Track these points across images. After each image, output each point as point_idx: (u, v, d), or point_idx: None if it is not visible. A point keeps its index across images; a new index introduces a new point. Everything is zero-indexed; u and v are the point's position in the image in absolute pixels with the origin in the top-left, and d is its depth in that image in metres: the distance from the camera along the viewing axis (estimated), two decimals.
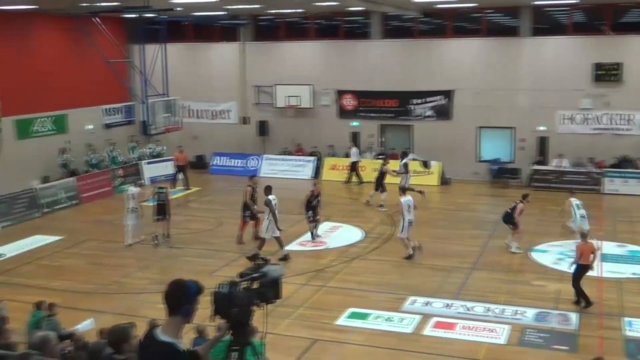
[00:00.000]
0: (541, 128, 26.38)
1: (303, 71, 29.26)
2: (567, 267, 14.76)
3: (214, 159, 30.23)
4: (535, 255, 17.62)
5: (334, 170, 28.13)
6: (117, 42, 28.06)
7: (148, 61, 25.90)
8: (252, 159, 29.70)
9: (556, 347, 12.24)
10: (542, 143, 26.57)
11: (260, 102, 30.15)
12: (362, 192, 25.37)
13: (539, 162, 26.19)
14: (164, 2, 22.84)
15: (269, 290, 7.31)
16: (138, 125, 29.31)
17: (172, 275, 16.49)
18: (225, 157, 30.13)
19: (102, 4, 23.59)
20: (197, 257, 17.85)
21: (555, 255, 17.55)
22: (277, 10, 28.22)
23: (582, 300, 13.91)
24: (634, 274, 16.15)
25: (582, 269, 14.03)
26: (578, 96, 25.69)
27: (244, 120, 30.41)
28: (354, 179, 27.35)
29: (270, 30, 31.70)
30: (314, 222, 19.02)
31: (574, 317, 13.44)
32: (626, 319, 13.31)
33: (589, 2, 25.73)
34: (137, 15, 26.38)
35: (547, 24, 28.97)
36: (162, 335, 4.62)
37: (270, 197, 17.26)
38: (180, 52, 30.46)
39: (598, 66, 25.39)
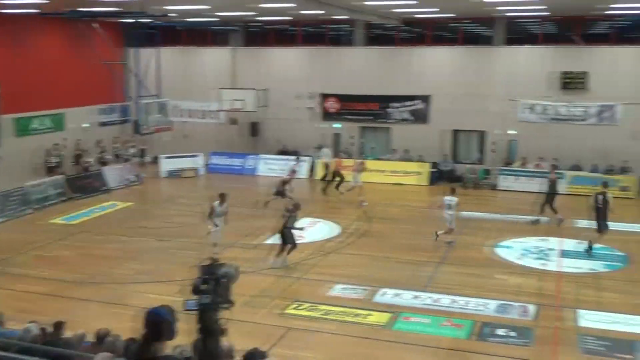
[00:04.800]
0: (510, 132, 26.54)
1: (290, 75, 29.31)
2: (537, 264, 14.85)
3: (212, 158, 30.11)
4: (500, 251, 17.75)
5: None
6: (114, 46, 28.02)
7: (143, 64, 25.89)
8: (249, 158, 29.54)
9: (514, 339, 12.29)
10: (512, 146, 26.74)
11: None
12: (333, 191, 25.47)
13: (507, 164, 26.30)
14: (160, 8, 22.81)
15: (225, 293, 7.06)
16: (131, 125, 29.28)
17: (158, 266, 16.55)
18: (222, 157, 29.96)
19: (101, 9, 23.56)
20: (182, 249, 17.82)
21: (519, 251, 17.69)
22: (267, 18, 28.21)
23: None
24: (591, 269, 16.28)
25: None
26: (546, 102, 25.77)
27: (233, 121, 30.32)
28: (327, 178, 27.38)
29: (259, 36, 31.70)
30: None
31: (532, 309, 13.53)
32: (580, 311, 13.42)
33: (558, 14, 25.87)
34: (134, 20, 26.35)
35: (520, 34, 29.16)
36: None
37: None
38: (174, 56, 30.45)
39: (565, 74, 25.58)
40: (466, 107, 26.86)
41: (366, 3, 20.32)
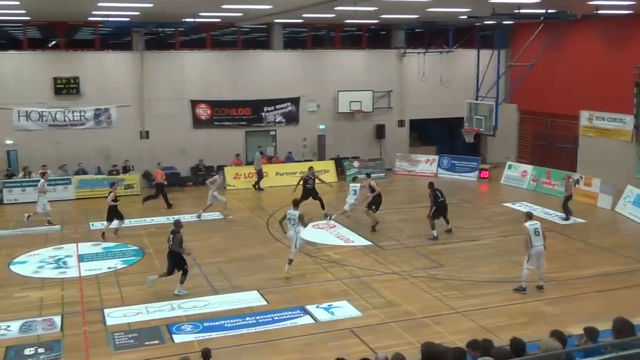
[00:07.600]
0: (8, 142, 25.04)
1: None
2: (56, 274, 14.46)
3: None
4: (15, 268, 16.66)
5: None
6: None
7: None
8: None
9: (44, 355, 11.71)
10: (12, 157, 25.30)
11: None
12: None
13: (9, 175, 24.72)
14: None
15: None
16: None
17: None
18: None
19: None
20: None
21: (36, 264, 16.91)
22: None
23: None
24: (109, 267, 16.64)
25: None
26: (41, 108, 25.11)
27: None
28: None
29: None
30: None
31: (58, 320, 13.12)
32: (106, 310, 13.62)
33: (40, 20, 25.42)
34: None
35: (5, 39, 27.70)
36: None
37: None
38: None
39: (57, 80, 25.33)
40: None
41: None
